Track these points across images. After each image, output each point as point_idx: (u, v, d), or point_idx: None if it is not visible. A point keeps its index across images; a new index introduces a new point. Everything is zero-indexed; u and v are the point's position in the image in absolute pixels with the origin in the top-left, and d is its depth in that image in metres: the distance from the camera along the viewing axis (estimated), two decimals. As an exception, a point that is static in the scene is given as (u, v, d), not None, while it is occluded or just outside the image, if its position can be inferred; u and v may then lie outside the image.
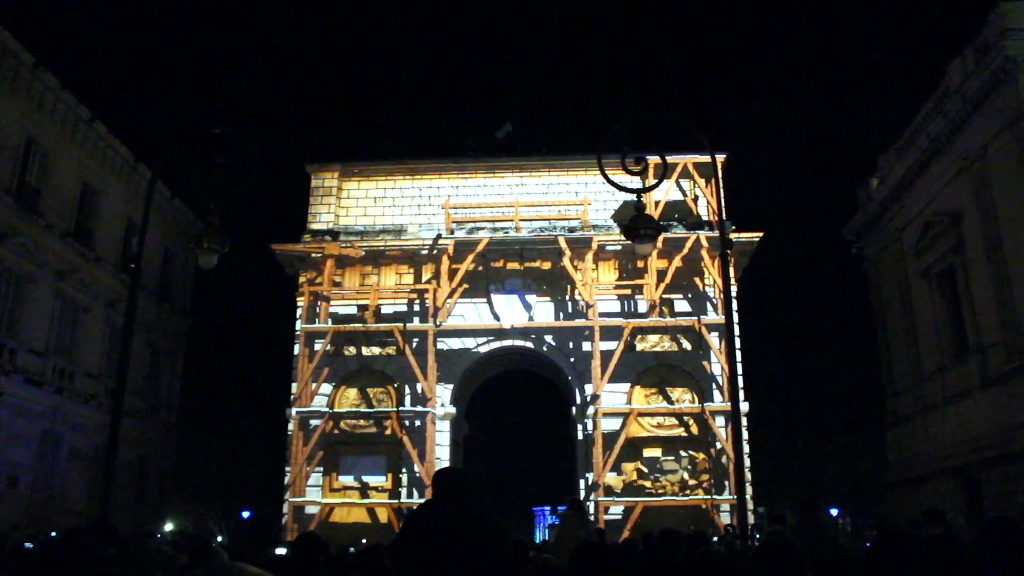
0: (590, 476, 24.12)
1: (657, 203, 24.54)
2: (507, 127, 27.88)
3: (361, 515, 24.20)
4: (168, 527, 26.08)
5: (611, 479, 23.73)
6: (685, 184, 26.06)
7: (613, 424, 24.21)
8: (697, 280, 25.38)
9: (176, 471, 30.97)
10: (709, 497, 23.24)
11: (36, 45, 22.62)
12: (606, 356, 24.24)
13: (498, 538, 4.57)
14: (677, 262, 24.67)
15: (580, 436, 25.39)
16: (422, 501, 5.09)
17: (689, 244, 24.77)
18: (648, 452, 24.26)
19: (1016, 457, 19.16)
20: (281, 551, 10.10)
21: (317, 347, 25.07)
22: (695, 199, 26.07)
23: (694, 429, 24.40)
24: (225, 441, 34.05)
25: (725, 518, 22.30)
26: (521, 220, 25.81)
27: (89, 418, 25.03)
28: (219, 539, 25.62)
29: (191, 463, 31.89)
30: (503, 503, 45.98)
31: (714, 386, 24.52)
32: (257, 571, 1.77)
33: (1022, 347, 19.42)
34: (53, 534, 14.23)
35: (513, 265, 25.73)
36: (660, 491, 23.77)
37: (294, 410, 24.73)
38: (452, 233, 25.49)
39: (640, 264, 25.12)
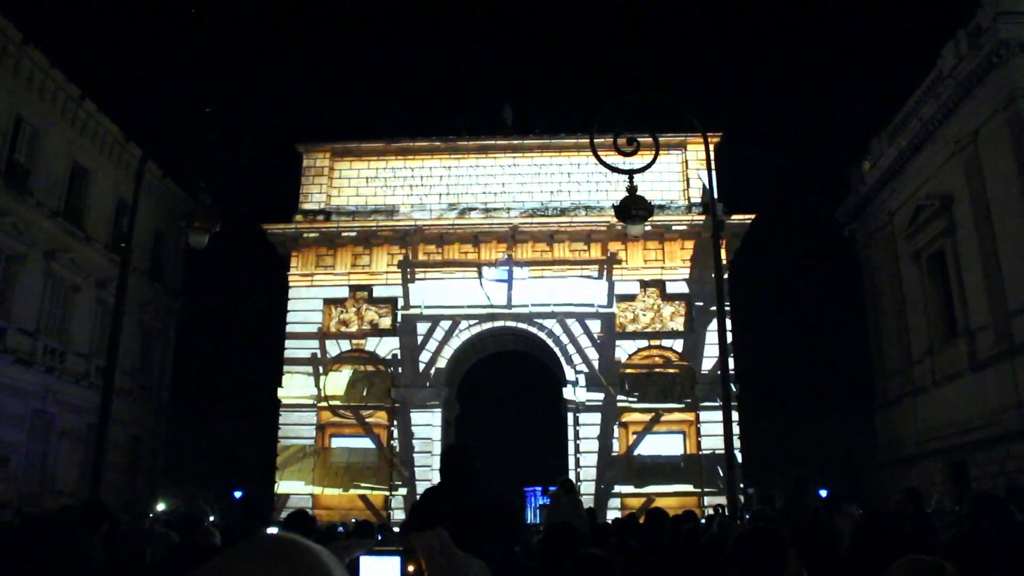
0: (581, 460, 24.28)
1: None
2: (508, 112, 27.89)
3: (352, 497, 24.29)
4: (160, 507, 26.10)
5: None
6: (678, 167, 26.08)
7: (606, 409, 24.33)
8: (689, 263, 25.44)
9: (168, 451, 30.98)
10: (700, 491, 23.33)
11: (24, 22, 22.42)
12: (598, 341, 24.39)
13: (514, 520, 4.53)
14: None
15: (571, 418, 25.47)
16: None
17: (682, 227, 24.91)
18: (639, 437, 24.40)
19: (1002, 439, 19.36)
20: (272, 530, 10.15)
21: (308, 328, 25.10)
22: (687, 181, 26.10)
23: (685, 413, 24.54)
24: (217, 421, 34.03)
25: (717, 499, 22.43)
26: (513, 200, 25.87)
27: (80, 398, 24.98)
28: (211, 518, 25.68)
29: (183, 443, 31.87)
30: (499, 484, 46.08)
31: (705, 369, 24.60)
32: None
33: (1010, 331, 19.54)
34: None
35: (503, 246, 25.72)
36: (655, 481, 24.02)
37: (283, 392, 24.85)
38: (438, 215, 25.65)
39: (630, 245, 25.25)
